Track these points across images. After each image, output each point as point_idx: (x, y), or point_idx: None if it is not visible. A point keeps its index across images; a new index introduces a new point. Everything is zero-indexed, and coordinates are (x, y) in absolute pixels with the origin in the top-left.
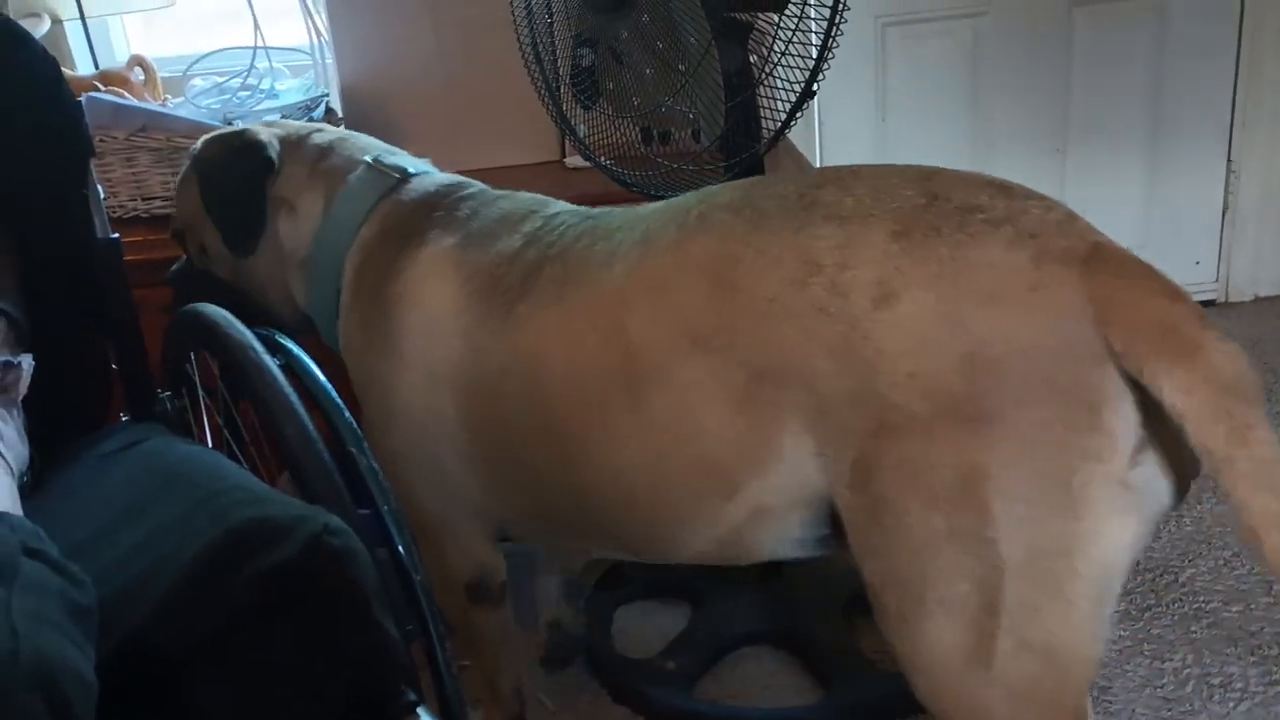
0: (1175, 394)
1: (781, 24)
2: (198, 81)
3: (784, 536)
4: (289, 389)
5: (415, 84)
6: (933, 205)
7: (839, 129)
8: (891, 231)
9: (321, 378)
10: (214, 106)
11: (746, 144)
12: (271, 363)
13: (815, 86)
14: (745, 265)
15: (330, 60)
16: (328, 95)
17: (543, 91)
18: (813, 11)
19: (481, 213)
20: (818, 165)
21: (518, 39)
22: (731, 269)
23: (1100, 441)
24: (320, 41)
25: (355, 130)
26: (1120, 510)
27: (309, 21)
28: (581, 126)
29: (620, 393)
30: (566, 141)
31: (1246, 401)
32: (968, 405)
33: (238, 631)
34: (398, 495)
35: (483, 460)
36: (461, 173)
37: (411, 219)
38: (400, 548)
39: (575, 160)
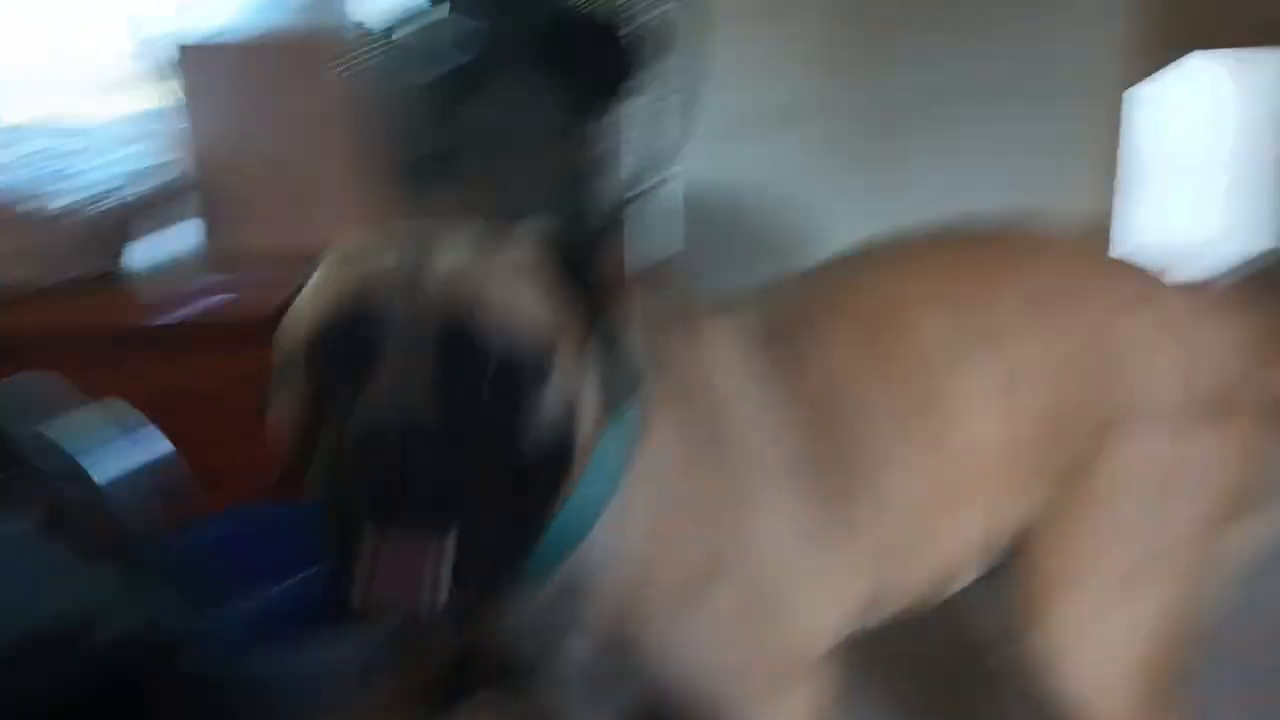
0: None
1: (628, 116)
2: None
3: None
4: None
5: (241, 167)
6: None
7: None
8: None
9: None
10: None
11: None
12: None
13: (668, 173)
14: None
15: (177, 131)
16: (174, 164)
17: (378, 179)
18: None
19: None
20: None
21: (350, 125)
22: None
23: None
24: (163, 108)
25: (209, 201)
26: None
27: (155, 87)
28: (424, 208)
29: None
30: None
31: None
32: None
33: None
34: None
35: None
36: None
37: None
38: None
39: None
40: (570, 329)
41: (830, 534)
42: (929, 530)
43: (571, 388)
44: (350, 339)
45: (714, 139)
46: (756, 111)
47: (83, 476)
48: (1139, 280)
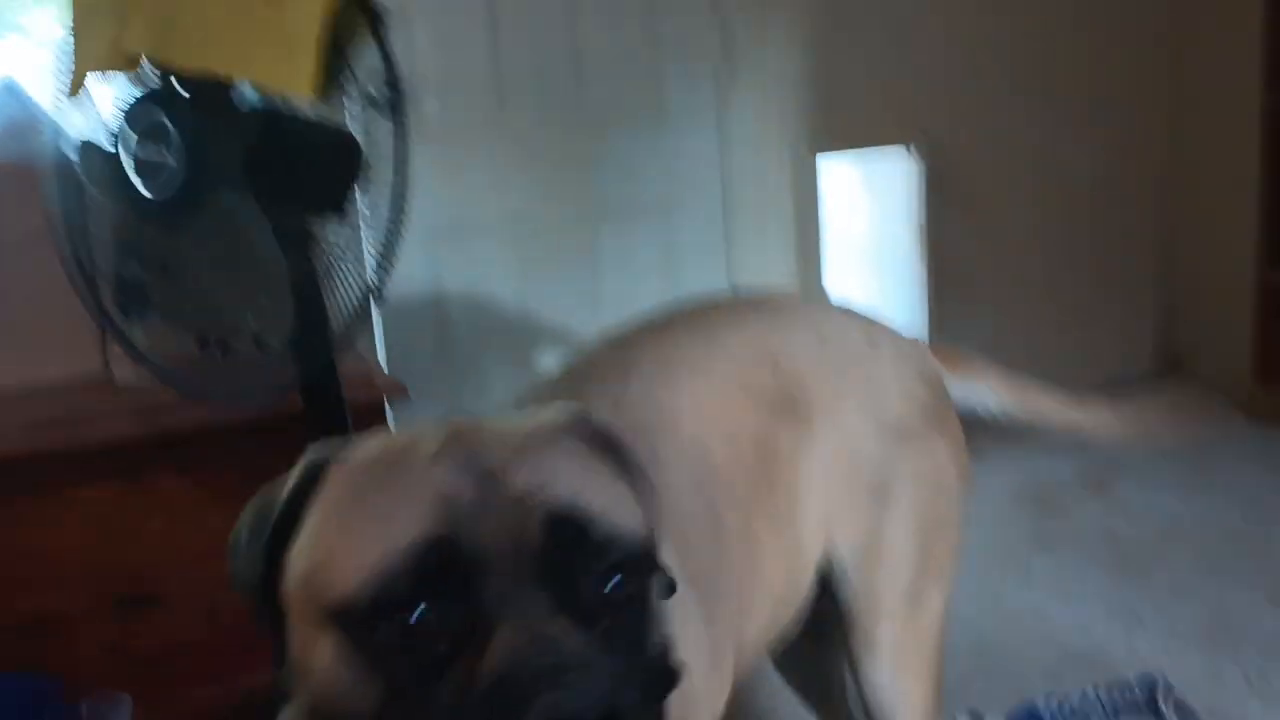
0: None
1: (342, 229)
2: None
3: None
4: None
5: None
6: None
7: (400, 328)
8: None
9: None
10: None
11: (316, 343)
12: None
13: (384, 283)
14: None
15: None
16: None
17: (89, 304)
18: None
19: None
20: (383, 358)
21: (58, 249)
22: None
23: None
24: None
25: None
26: None
27: None
28: (138, 333)
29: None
30: (111, 360)
31: None
32: None
33: None
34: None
35: None
36: None
37: None
38: None
39: (125, 375)
40: (641, 501)
41: (714, 635)
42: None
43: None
44: (436, 581)
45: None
46: (446, 224)
47: None
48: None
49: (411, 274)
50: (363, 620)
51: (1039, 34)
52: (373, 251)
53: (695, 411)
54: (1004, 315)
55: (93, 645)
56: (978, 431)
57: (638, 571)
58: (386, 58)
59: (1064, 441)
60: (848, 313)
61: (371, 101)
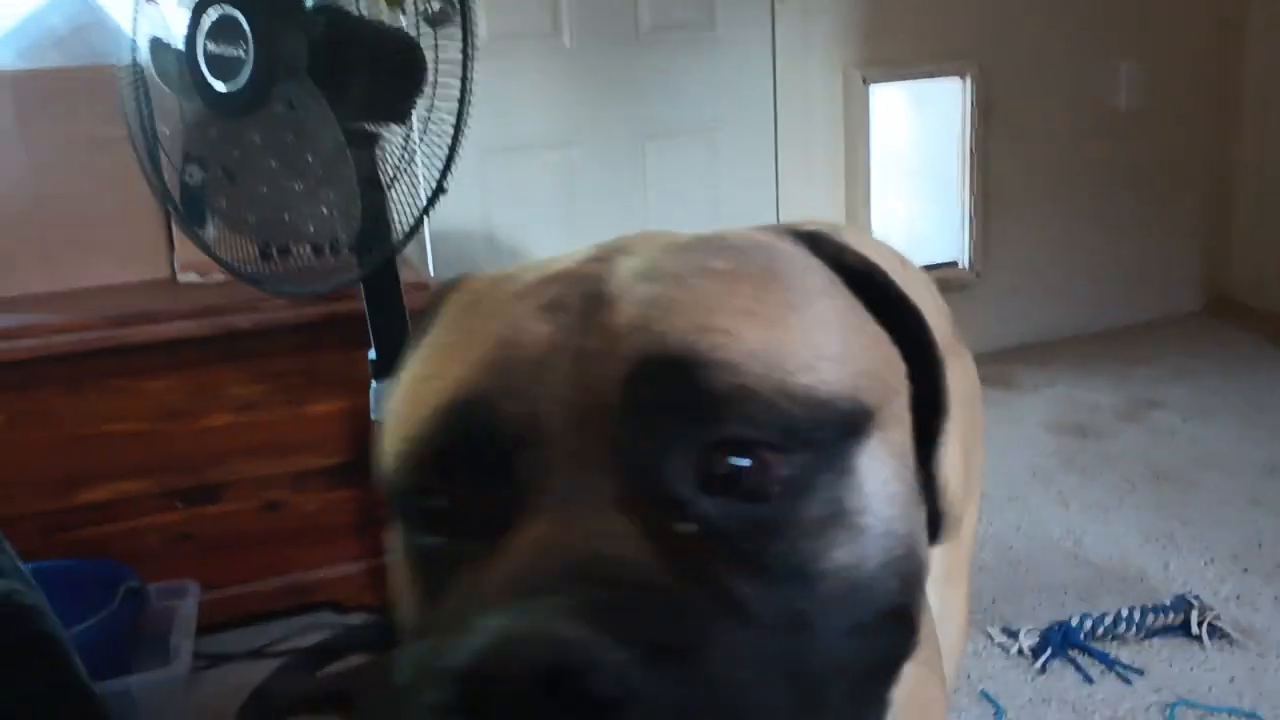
0: None
1: (407, 134)
2: None
3: None
4: None
5: (5, 203)
6: None
7: (448, 243)
8: None
9: None
10: None
11: (378, 244)
12: None
13: (446, 184)
14: None
15: None
16: None
17: (164, 207)
18: (434, 127)
19: None
20: (431, 272)
21: (134, 154)
22: None
23: None
24: None
25: None
26: None
27: None
28: (211, 231)
29: None
30: (176, 258)
31: None
32: None
33: None
34: None
35: None
36: (59, 295)
37: None
38: None
39: (189, 276)
40: (887, 370)
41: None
42: None
43: (905, 472)
44: (464, 457)
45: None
46: (494, 140)
47: None
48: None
49: (460, 190)
50: (393, 504)
51: None
52: (434, 156)
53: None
54: (1050, 245)
55: (156, 535)
56: (1016, 360)
57: (799, 450)
58: None
59: (1105, 371)
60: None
61: (436, 8)
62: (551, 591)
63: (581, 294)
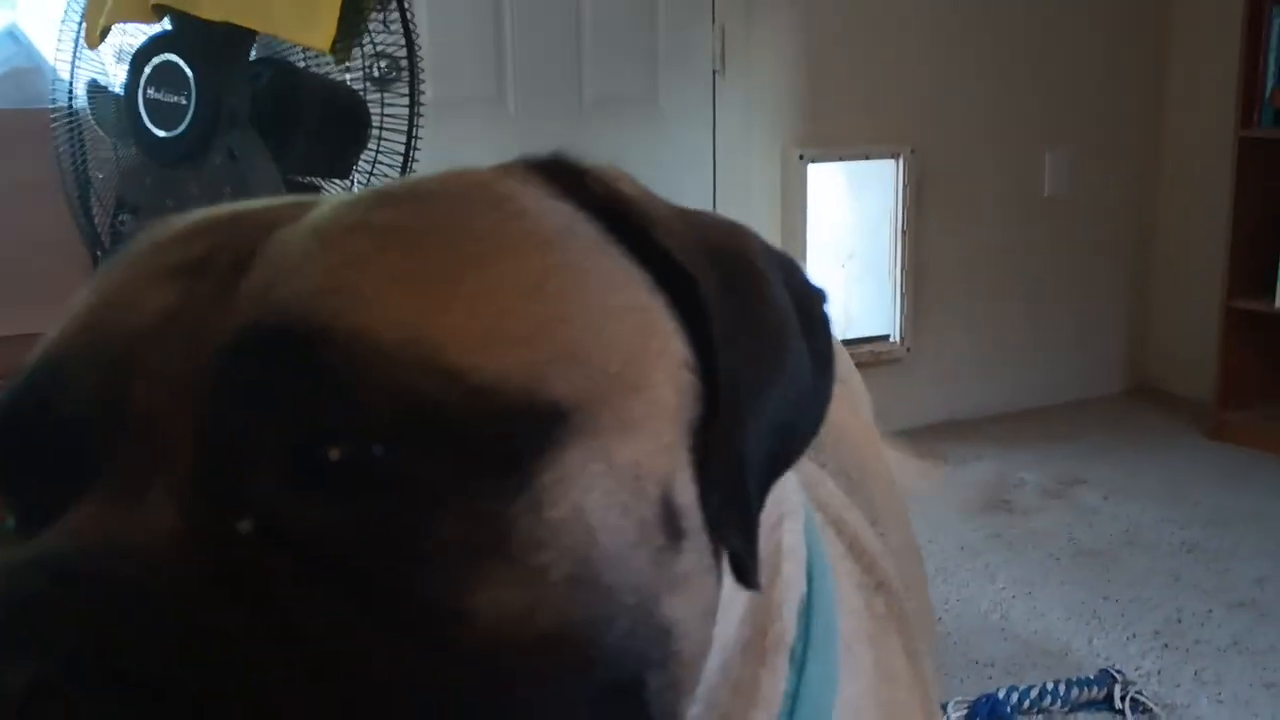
0: None
1: (348, 190)
2: None
3: None
4: None
5: None
6: None
7: None
8: None
9: None
10: None
11: None
12: None
13: None
14: None
15: None
16: None
17: (93, 252)
18: (375, 184)
19: None
20: None
21: (65, 198)
22: None
23: None
24: None
25: None
26: None
27: None
28: None
29: None
30: None
31: None
32: None
33: None
34: None
35: None
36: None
37: None
38: None
39: None
40: (623, 356)
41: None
42: None
43: (637, 501)
44: (35, 423)
45: None
46: None
47: None
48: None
49: None
50: None
51: (1024, 51)
52: None
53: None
54: (978, 325)
55: None
56: (944, 435)
57: (441, 452)
58: (405, 24)
59: (1030, 448)
60: None
61: (383, 68)
62: (16, 584)
63: (232, 254)
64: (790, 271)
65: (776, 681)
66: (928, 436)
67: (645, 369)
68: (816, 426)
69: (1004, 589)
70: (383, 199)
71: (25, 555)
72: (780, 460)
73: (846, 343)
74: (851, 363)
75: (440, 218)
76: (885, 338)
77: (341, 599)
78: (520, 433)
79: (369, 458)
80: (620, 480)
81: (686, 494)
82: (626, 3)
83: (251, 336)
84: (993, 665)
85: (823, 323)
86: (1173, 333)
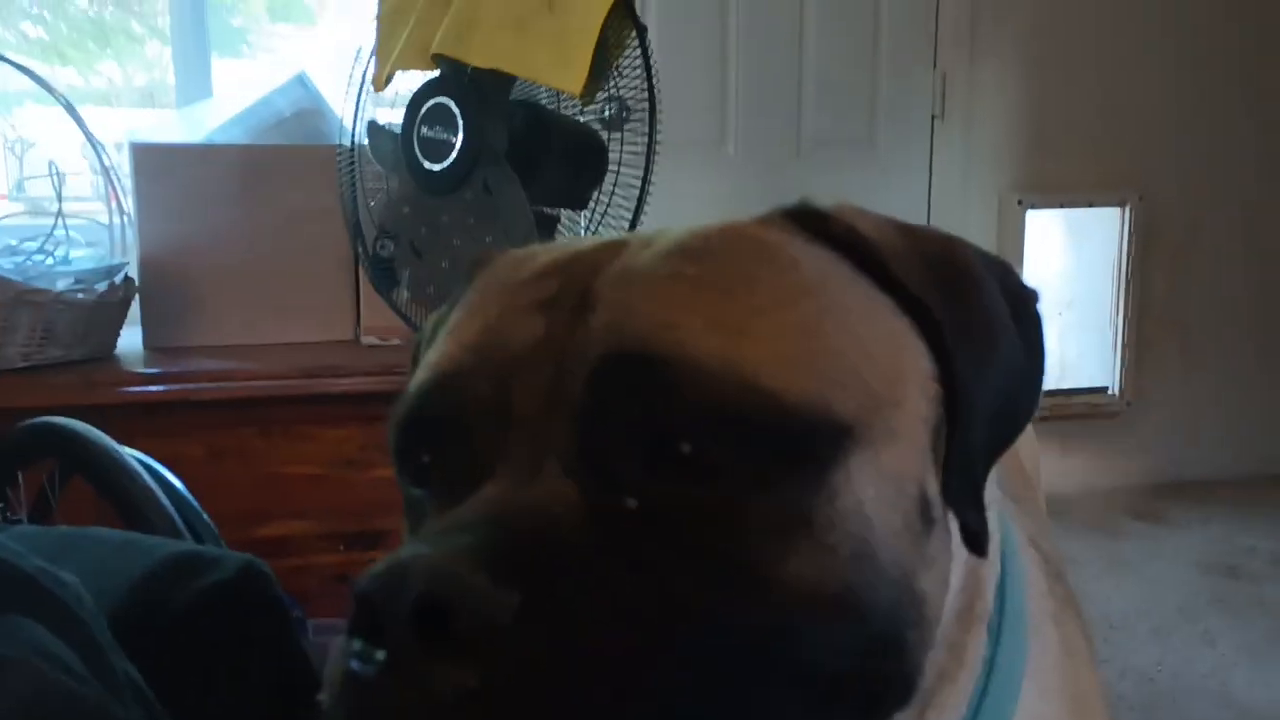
0: None
1: (586, 219)
2: None
3: None
4: (153, 484)
5: (216, 261)
6: None
7: None
8: None
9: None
10: (8, 268)
11: None
12: (135, 463)
13: None
14: None
15: (130, 232)
16: (126, 264)
17: (366, 271)
18: (611, 215)
19: None
20: None
21: (345, 222)
22: None
23: None
24: (119, 210)
25: (150, 298)
26: None
27: (110, 190)
28: (405, 293)
29: None
30: (360, 322)
31: None
32: None
33: (189, 632)
34: None
35: None
36: (257, 346)
37: None
38: None
39: (370, 339)
40: (886, 378)
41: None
42: None
43: (900, 498)
44: (447, 419)
45: None
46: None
47: None
48: None
49: None
50: (392, 458)
51: (1260, 93)
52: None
53: None
54: (1206, 381)
55: (317, 574)
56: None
57: (759, 454)
58: (647, 67)
59: (1263, 515)
60: None
61: (613, 110)
62: (466, 533)
63: (576, 291)
64: (1004, 273)
65: (979, 647)
66: (1148, 496)
67: (903, 386)
68: (1032, 410)
69: (1225, 655)
70: (686, 254)
71: (469, 516)
72: (1000, 442)
73: (1061, 393)
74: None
75: (733, 270)
76: (1104, 389)
77: (692, 562)
78: (820, 440)
79: (710, 453)
80: (888, 480)
81: (933, 486)
82: (848, 47)
83: (615, 361)
84: None
85: (1034, 318)
86: None
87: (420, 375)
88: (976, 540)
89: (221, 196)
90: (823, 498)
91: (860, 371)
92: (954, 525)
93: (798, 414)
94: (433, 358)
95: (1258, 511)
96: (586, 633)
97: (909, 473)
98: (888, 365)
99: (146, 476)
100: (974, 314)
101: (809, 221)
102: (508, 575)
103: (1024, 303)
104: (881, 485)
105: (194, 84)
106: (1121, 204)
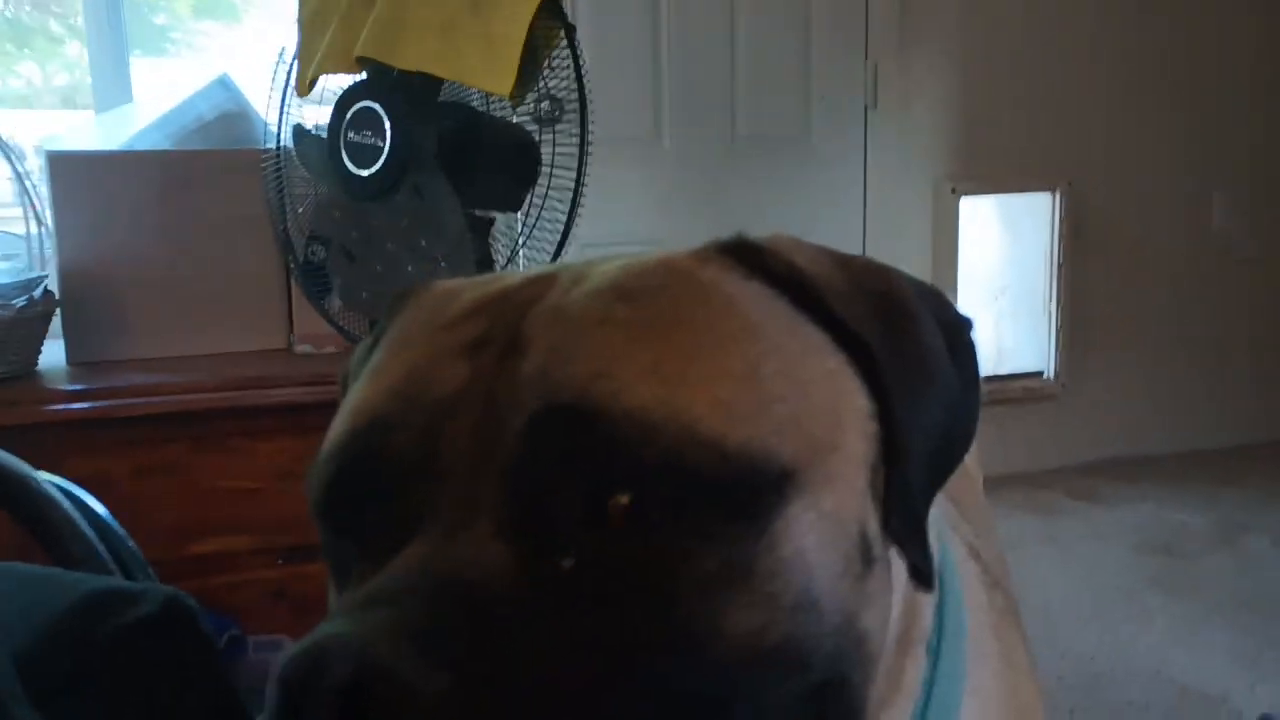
0: None
1: (521, 220)
2: None
3: None
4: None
5: (139, 272)
6: None
7: None
8: None
9: (103, 509)
10: None
11: None
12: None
13: None
14: None
15: (49, 243)
16: (46, 277)
17: (295, 279)
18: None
19: None
20: None
21: (273, 229)
22: None
23: None
24: (36, 221)
25: (72, 311)
26: None
27: (26, 200)
28: (337, 300)
29: None
30: (293, 330)
31: None
32: None
33: (109, 670)
34: None
35: None
36: (186, 358)
37: None
38: None
39: (304, 348)
40: (824, 420)
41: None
42: None
43: (840, 540)
44: (367, 473)
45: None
46: (592, 238)
47: None
48: None
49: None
50: (311, 514)
51: (1189, 84)
52: (544, 242)
53: None
54: (1139, 364)
55: (254, 590)
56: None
57: (697, 504)
58: (577, 65)
59: (1194, 491)
60: None
61: (545, 108)
62: (391, 605)
63: (505, 332)
64: (939, 304)
65: (917, 670)
66: (1083, 475)
67: (842, 429)
68: (967, 444)
69: (1163, 633)
70: (619, 293)
71: (394, 583)
72: (939, 476)
73: (998, 378)
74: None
75: (669, 312)
76: (1039, 374)
77: (631, 621)
78: (761, 489)
79: (648, 507)
80: (828, 524)
81: (874, 526)
82: (780, 41)
83: (545, 414)
84: (1148, 709)
85: (969, 348)
86: None
87: (340, 424)
88: (923, 577)
89: (144, 204)
90: (763, 547)
91: (799, 417)
92: (894, 557)
93: (738, 463)
94: (354, 402)
95: (1189, 488)
96: (520, 711)
97: (849, 515)
98: (827, 408)
99: (66, 503)
100: (911, 349)
101: (745, 255)
102: (435, 652)
103: (959, 333)
104: (822, 531)
105: (112, 85)
106: (1053, 190)
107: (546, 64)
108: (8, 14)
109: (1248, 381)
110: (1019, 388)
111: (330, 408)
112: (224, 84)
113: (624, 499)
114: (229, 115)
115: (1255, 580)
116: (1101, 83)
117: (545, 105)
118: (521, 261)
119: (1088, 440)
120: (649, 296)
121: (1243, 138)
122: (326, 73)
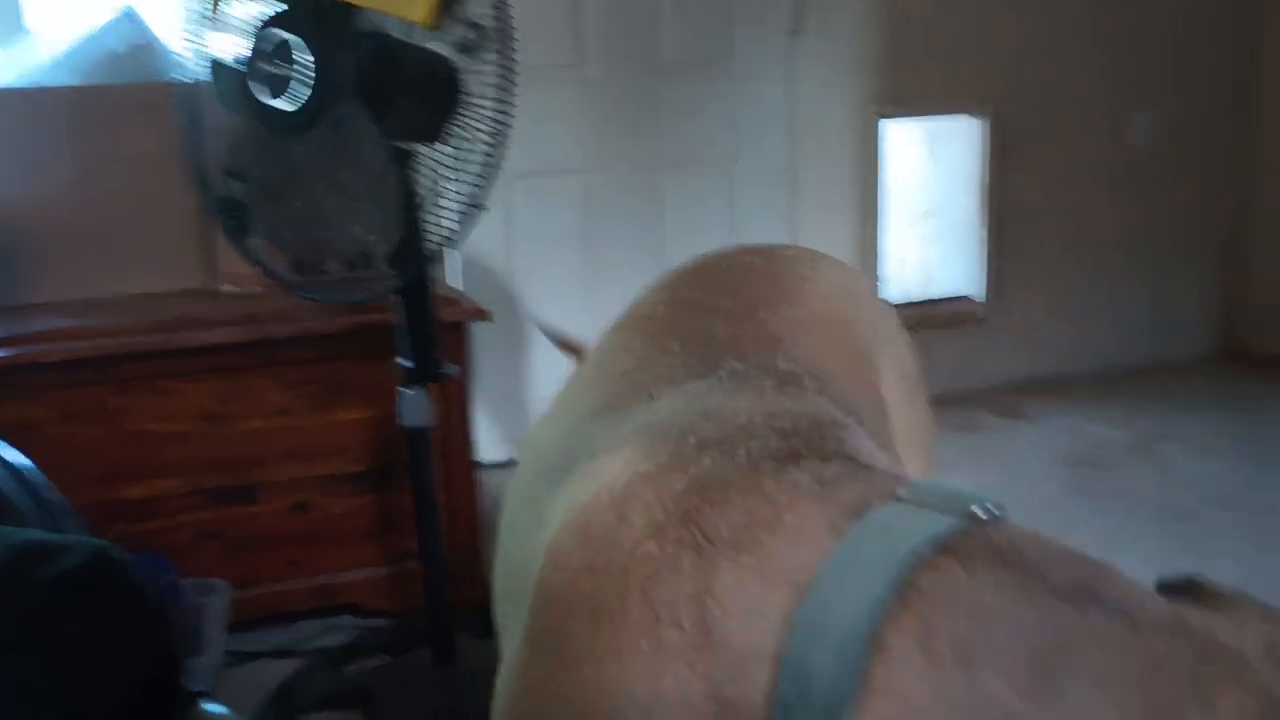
0: None
1: (442, 152)
2: None
3: None
4: None
5: (51, 214)
6: None
7: (471, 260)
8: None
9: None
10: None
11: (414, 256)
12: None
13: (484, 201)
14: None
15: None
16: None
17: (212, 218)
18: (468, 147)
19: None
20: (460, 287)
21: (186, 168)
22: None
23: None
24: None
25: None
26: None
27: None
28: (256, 242)
29: None
30: (221, 268)
31: None
32: None
33: (36, 626)
34: None
35: None
36: (108, 301)
37: None
38: None
39: (229, 287)
40: None
41: None
42: None
43: None
44: None
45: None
46: (519, 166)
47: None
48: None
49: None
50: None
51: (1114, 7)
52: (468, 173)
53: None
54: (1064, 285)
55: (189, 532)
56: (1026, 392)
57: None
58: None
59: (1115, 406)
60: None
61: (469, 36)
62: None
63: None
64: None
65: None
66: (1010, 394)
67: None
68: None
69: (1084, 542)
70: None
71: None
72: None
73: (928, 303)
74: (899, 323)
75: None
76: (967, 298)
77: None
78: None
79: None
80: None
81: None
82: None
83: None
84: None
85: None
86: (1267, 293)
87: None
88: None
89: (54, 143)
90: None
91: None
92: None
93: None
94: None
95: (1111, 404)
96: None
97: None
98: None
99: None
100: None
101: None
102: None
103: None
104: None
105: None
106: (979, 115)
107: None
108: None
109: (1167, 302)
110: (948, 311)
111: (258, 347)
112: (130, 17)
113: None
114: (137, 48)
115: (1173, 489)
116: (1026, 6)
117: (467, 34)
118: (452, 191)
119: (1014, 360)
120: None
121: (1166, 58)
122: None
